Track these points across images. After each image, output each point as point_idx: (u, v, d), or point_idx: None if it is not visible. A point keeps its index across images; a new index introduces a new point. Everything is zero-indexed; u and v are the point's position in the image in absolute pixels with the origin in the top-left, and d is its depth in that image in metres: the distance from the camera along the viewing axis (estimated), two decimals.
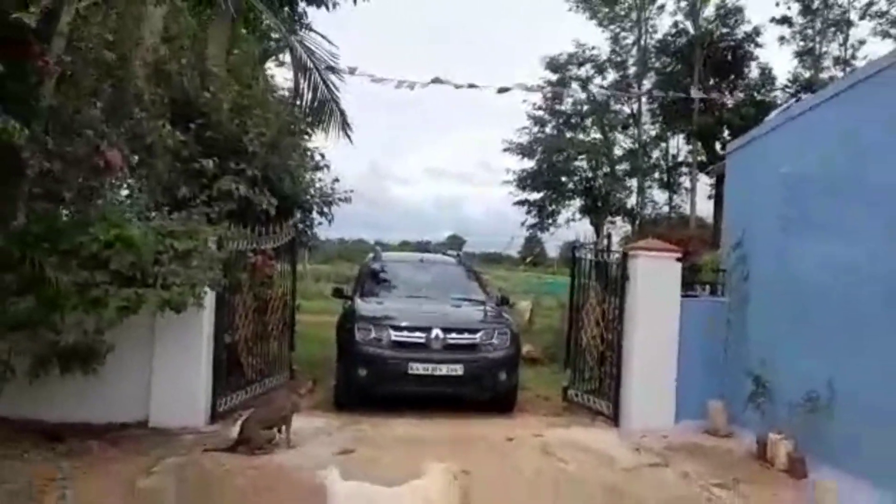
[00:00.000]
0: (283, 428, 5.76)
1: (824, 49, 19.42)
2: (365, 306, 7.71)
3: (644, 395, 6.97)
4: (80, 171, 5.26)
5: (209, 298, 6.15)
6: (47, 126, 5.00)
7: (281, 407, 5.89)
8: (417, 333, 7.06)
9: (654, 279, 7.09)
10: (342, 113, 7.90)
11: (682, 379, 7.00)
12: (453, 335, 7.11)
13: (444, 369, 6.88)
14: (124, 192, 7.55)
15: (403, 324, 7.16)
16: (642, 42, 19.15)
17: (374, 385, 6.95)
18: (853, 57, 19.38)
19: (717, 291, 7.65)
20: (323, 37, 8.04)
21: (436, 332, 7.05)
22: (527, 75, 30.05)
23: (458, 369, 6.90)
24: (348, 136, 8.28)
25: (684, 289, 7.38)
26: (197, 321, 6.18)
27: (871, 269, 5.15)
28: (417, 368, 6.83)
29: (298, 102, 8.21)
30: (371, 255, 9.69)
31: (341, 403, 7.15)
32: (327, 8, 11.75)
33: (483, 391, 7.11)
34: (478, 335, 7.23)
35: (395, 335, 7.04)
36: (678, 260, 7.28)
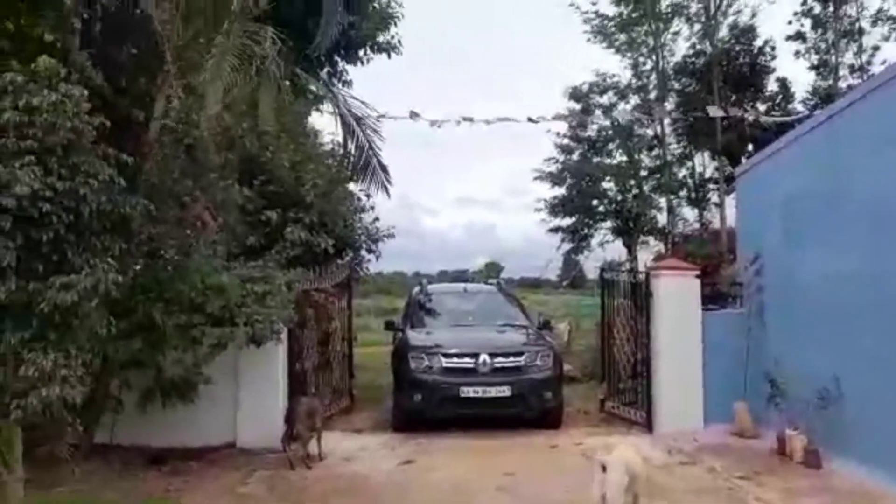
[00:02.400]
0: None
1: (840, 59, 19.75)
2: (416, 336, 8.34)
3: (673, 402, 7.65)
4: (179, 230, 6.31)
5: (283, 334, 7.13)
6: (150, 196, 6.04)
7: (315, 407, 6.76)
8: (466, 359, 7.59)
9: (676, 295, 7.81)
10: (384, 170, 8.90)
11: (708, 385, 7.65)
12: (499, 359, 7.59)
13: (492, 391, 7.39)
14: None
15: (453, 350, 7.70)
16: (660, 66, 19.85)
17: (429, 409, 7.47)
18: (869, 63, 19.66)
19: (738, 302, 8.30)
20: (362, 102, 9.09)
21: (483, 356, 7.55)
22: (551, 105, 31.03)
23: (506, 390, 7.40)
24: (387, 192, 9.26)
25: (713, 302, 8.15)
26: (274, 354, 7.16)
27: (860, 277, 5.81)
28: (468, 392, 7.37)
29: (346, 160, 9.22)
30: (417, 287, 10.25)
31: (398, 427, 7.74)
32: (362, 63, 12.94)
33: (529, 410, 7.58)
34: (522, 357, 7.72)
35: (445, 362, 7.60)
36: (697, 277, 7.99)
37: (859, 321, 5.87)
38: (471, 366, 7.55)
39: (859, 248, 5.81)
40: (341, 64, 12.60)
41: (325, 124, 12.54)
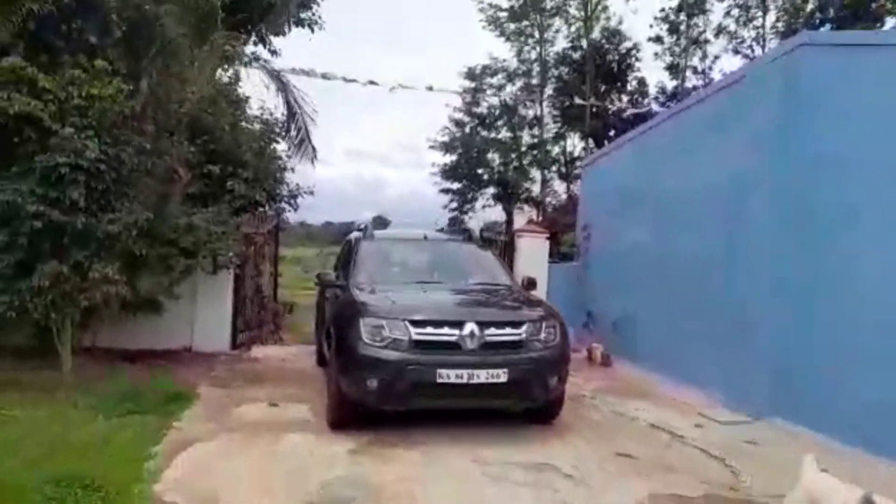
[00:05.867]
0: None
1: (687, 63, 23.74)
2: (368, 297, 5.86)
3: None
4: (159, 182, 8.11)
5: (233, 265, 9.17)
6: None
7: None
8: (446, 330, 5.29)
9: (531, 251, 10.66)
10: (314, 149, 11.01)
11: None
12: (492, 331, 5.35)
13: (482, 375, 5.17)
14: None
15: (426, 318, 5.37)
16: (543, 56, 22.87)
17: (390, 399, 5.26)
18: (710, 68, 23.88)
19: (574, 258, 11.36)
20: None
21: (470, 327, 5.27)
22: (449, 82, 33.61)
23: (501, 375, 5.20)
24: (313, 165, 11.35)
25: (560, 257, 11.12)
26: (225, 280, 9.20)
27: (648, 248, 8.85)
28: (448, 376, 5.12)
29: (287, 136, 11.22)
30: (357, 233, 7.65)
31: (339, 424, 5.55)
32: (283, 35, 14.60)
33: (531, 400, 5.56)
34: (522, 329, 5.47)
35: (416, 333, 5.24)
36: (547, 238, 10.90)
37: (643, 275, 8.93)
38: (452, 339, 5.26)
39: (649, 227, 8.82)
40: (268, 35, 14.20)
41: (252, 91, 14.07)
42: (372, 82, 15.20)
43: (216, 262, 8.49)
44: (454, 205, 23.32)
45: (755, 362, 6.27)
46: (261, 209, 12.05)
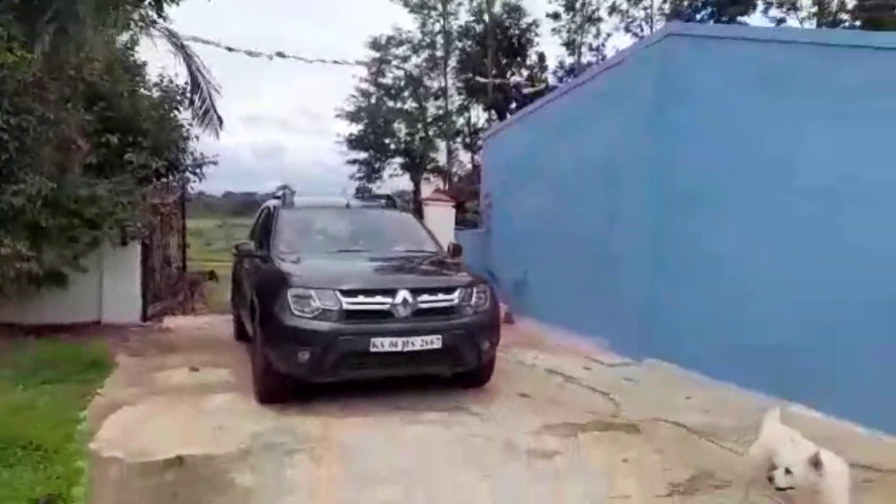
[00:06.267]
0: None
1: (582, 40, 24.99)
2: (295, 267, 5.75)
3: None
4: (58, 151, 7.88)
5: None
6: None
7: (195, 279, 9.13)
8: (378, 298, 5.27)
9: (438, 218, 11.20)
10: (220, 119, 10.91)
11: None
12: (425, 297, 5.37)
13: (417, 343, 5.20)
14: None
15: (357, 286, 5.35)
16: (446, 27, 23.29)
17: (322, 371, 5.20)
18: (603, 45, 25.27)
19: (477, 225, 12.05)
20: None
21: (402, 294, 5.28)
22: (355, 52, 33.27)
23: (435, 341, 5.25)
24: (218, 135, 11.25)
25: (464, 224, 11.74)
26: (133, 251, 9.12)
27: (543, 214, 9.63)
28: (382, 345, 5.13)
29: (191, 107, 11.02)
30: (274, 201, 7.55)
31: (268, 398, 5.45)
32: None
33: (464, 365, 5.61)
34: (455, 295, 5.51)
35: (347, 303, 5.19)
36: (453, 207, 11.50)
37: (539, 239, 9.72)
38: (385, 308, 5.26)
39: (544, 196, 9.58)
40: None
41: (150, 57, 13.54)
42: (280, 54, 15.01)
43: (125, 234, 8.41)
44: (361, 174, 23.52)
45: (631, 312, 7.19)
46: (163, 179, 11.84)
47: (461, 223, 11.69)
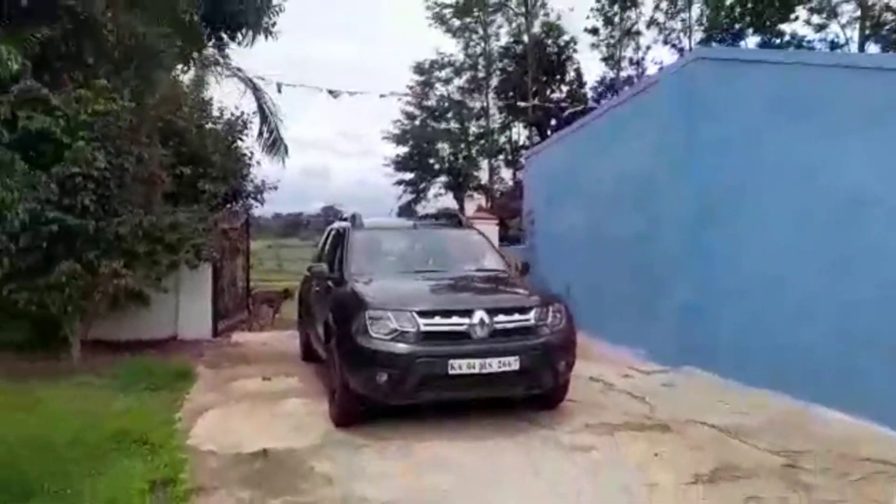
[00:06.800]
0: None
1: (622, 54, 25.35)
2: (371, 288, 5.77)
3: None
4: (143, 185, 8.84)
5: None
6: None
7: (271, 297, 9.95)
8: (455, 319, 5.24)
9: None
10: (286, 148, 11.87)
11: None
12: (501, 318, 5.31)
13: (494, 364, 5.13)
14: None
15: (434, 308, 5.36)
16: (487, 50, 24.08)
17: (401, 393, 5.18)
18: (643, 59, 25.56)
19: (521, 241, 12.61)
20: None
21: (479, 315, 5.24)
22: (401, 78, 34.52)
23: (513, 363, 5.17)
24: (284, 164, 12.21)
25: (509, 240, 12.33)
26: (205, 273, 10.01)
27: (585, 230, 10.13)
28: (460, 367, 5.08)
29: (260, 139, 12.02)
30: (343, 222, 7.58)
31: (346, 421, 5.47)
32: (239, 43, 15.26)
33: (541, 387, 5.52)
34: (531, 315, 5.46)
35: (424, 324, 5.18)
36: (497, 224, 12.11)
37: (581, 254, 10.20)
38: (462, 329, 5.23)
39: (583, 211, 10.09)
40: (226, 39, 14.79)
41: (217, 93, 14.73)
42: (331, 92, 16.03)
43: (199, 256, 9.29)
44: (408, 195, 24.44)
45: (668, 323, 7.60)
46: (228, 205, 12.84)
47: (504, 239, 12.27)
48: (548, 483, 4.28)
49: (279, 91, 14.45)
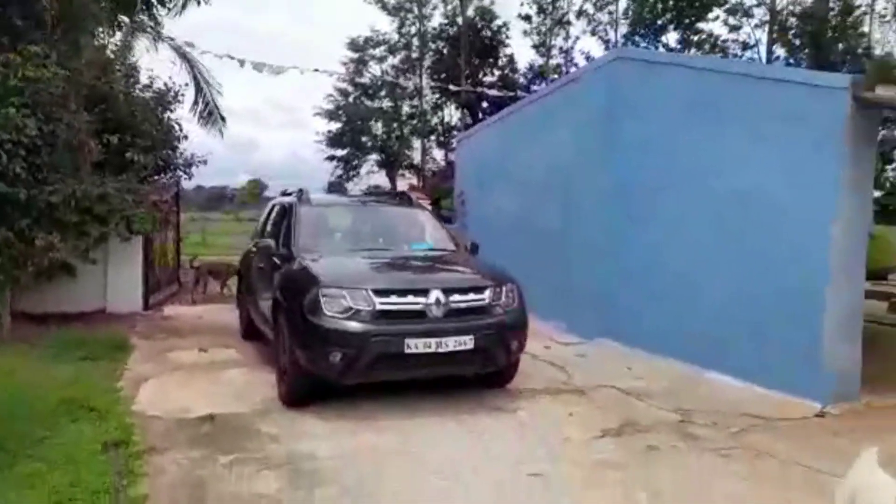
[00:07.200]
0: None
1: (552, 42, 26.14)
2: (323, 266, 5.67)
3: None
4: (72, 153, 8.64)
5: None
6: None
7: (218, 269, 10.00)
8: (411, 298, 5.23)
9: None
10: (223, 118, 11.72)
11: None
12: (456, 297, 5.33)
13: (450, 343, 5.16)
14: None
15: (390, 286, 5.33)
16: (422, 29, 24.23)
17: (354, 373, 5.15)
18: (572, 48, 26.44)
19: (451, 221, 13.06)
20: None
21: (435, 294, 5.23)
22: (334, 54, 34.04)
23: (468, 342, 5.22)
24: (222, 135, 12.05)
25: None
26: (136, 245, 9.90)
27: (513, 213, 10.69)
28: (416, 346, 5.09)
29: (195, 110, 11.81)
30: (289, 197, 7.24)
31: (297, 401, 5.40)
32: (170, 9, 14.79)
33: (495, 365, 5.61)
34: (486, 294, 5.50)
35: (380, 303, 5.14)
36: (431, 203, 12.50)
37: (510, 236, 10.73)
38: (418, 307, 5.22)
39: (514, 197, 10.63)
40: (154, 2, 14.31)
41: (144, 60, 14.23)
42: (258, 65, 15.79)
43: (130, 230, 9.20)
44: (340, 171, 24.42)
45: (583, 300, 8.30)
46: (157, 176, 12.61)
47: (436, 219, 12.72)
48: (479, 439, 4.80)
49: (222, 57, 14.20)
